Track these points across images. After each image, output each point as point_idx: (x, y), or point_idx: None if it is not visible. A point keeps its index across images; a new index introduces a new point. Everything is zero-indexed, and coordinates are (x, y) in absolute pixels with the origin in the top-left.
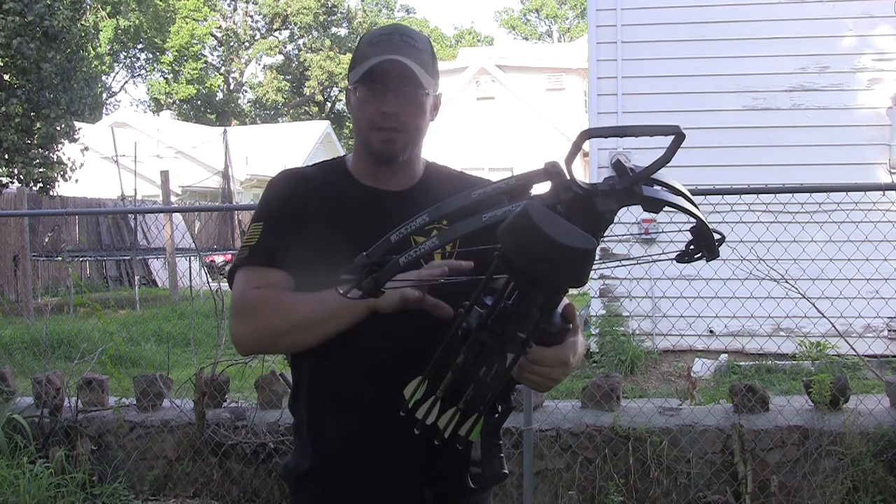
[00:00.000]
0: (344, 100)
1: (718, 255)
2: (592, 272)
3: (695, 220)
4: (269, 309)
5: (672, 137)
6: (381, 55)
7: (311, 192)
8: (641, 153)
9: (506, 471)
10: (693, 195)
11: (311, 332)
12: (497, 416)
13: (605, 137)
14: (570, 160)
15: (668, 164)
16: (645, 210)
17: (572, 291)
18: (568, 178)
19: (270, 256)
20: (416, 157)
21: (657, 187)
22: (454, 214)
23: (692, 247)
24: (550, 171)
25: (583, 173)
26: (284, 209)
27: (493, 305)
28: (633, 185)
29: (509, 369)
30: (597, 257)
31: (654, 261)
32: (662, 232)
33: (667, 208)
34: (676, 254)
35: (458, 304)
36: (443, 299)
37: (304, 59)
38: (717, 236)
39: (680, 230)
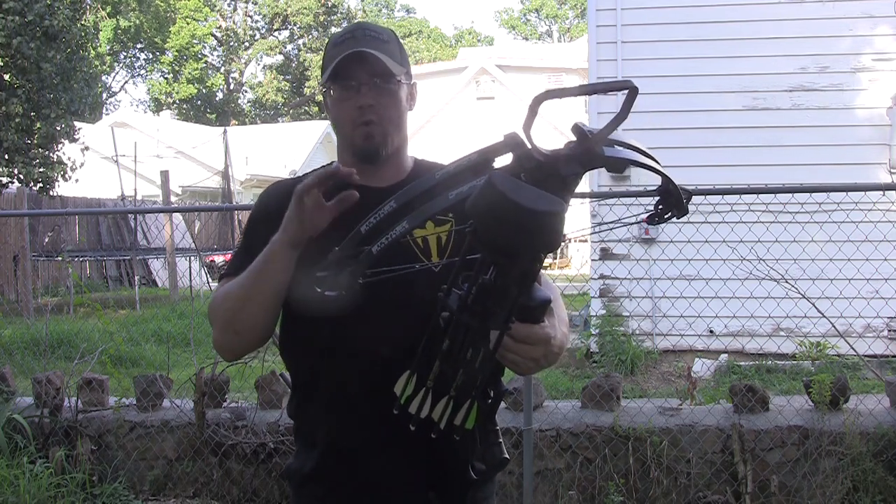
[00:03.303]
0: (323, 104)
1: (688, 212)
2: (592, 272)
3: (661, 180)
4: (220, 299)
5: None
6: (345, 52)
7: None
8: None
9: (506, 456)
10: (693, 195)
11: (255, 300)
12: (490, 401)
13: (560, 98)
14: (527, 127)
15: (666, 164)
16: (609, 171)
17: (573, 291)
18: (529, 146)
19: (243, 267)
20: (402, 152)
21: (619, 148)
22: (421, 197)
23: (661, 207)
24: (510, 143)
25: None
26: (268, 218)
27: (470, 283)
28: (594, 147)
29: (495, 348)
30: (597, 256)
31: (630, 225)
32: (663, 232)
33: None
34: (647, 215)
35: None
36: (413, 284)
37: (304, 59)
38: (684, 193)
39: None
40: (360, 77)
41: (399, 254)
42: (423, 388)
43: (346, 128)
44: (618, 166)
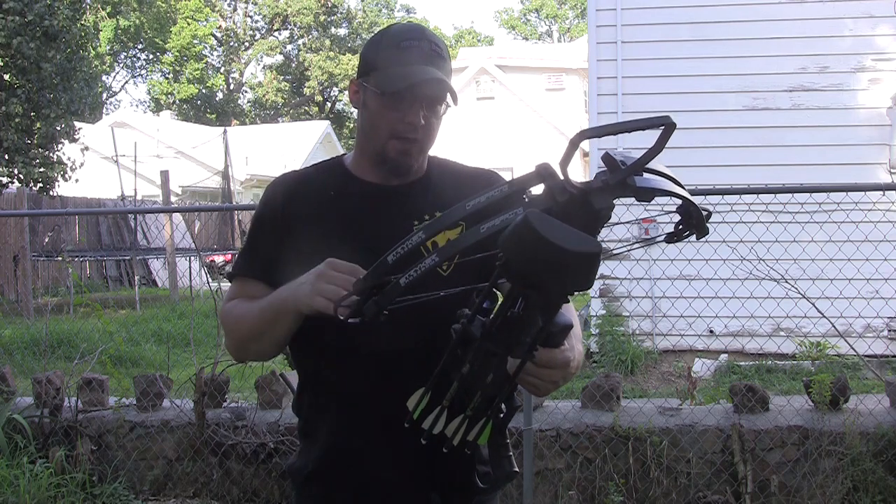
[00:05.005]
0: (348, 94)
1: (708, 232)
2: None
3: (681, 201)
4: (230, 322)
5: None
6: (414, 65)
7: (307, 193)
8: (641, 153)
9: (515, 469)
10: (693, 195)
11: (263, 341)
12: (503, 416)
13: (600, 137)
14: (564, 162)
15: (666, 164)
16: (638, 200)
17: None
18: (561, 179)
19: (251, 267)
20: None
21: (647, 175)
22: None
23: (681, 227)
24: (543, 174)
25: (582, 174)
26: (275, 216)
27: (497, 314)
28: (626, 178)
29: (516, 374)
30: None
31: (647, 244)
32: (662, 231)
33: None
34: (665, 235)
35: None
36: (439, 310)
37: (304, 60)
38: (704, 213)
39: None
40: (423, 99)
41: (410, 263)
42: (438, 405)
43: (381, 137)
44: (647, 195)
